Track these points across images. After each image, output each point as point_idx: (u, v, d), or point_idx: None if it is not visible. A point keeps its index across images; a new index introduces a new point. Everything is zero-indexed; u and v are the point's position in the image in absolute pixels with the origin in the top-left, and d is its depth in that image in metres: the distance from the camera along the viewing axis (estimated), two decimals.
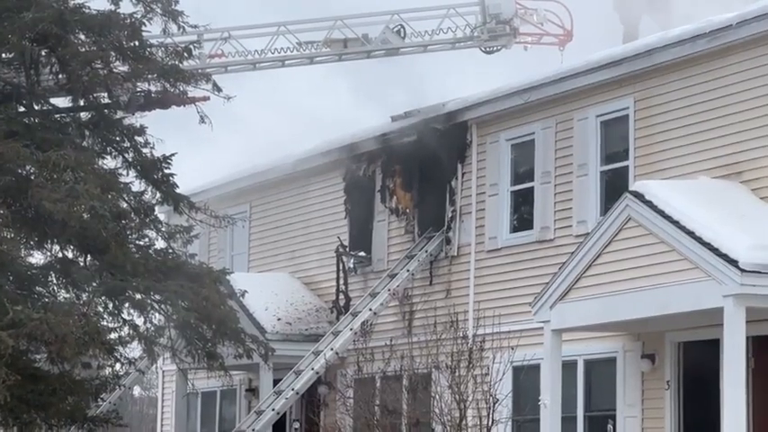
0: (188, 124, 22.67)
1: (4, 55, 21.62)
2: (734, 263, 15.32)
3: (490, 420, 19.39)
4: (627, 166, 19.89)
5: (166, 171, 20.82)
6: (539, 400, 18.53)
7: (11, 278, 20.11)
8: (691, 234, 16.08)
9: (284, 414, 24.56)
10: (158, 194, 21.07)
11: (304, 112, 25.08)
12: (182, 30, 21.13)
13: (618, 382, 19.58)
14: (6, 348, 17.69)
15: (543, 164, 21.90)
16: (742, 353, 15.46)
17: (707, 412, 17.50)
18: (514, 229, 22.26)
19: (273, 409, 23.02)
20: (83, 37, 20.58)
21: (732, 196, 17.63)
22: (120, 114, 21.46)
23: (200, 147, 22.99)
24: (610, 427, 18.91)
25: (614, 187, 19.73)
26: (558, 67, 23.01)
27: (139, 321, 21.08)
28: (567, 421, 19.59)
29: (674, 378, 18.55)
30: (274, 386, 23.71)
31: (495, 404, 19.29)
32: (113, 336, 20.84)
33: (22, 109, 21.79)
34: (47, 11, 19.85)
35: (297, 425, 25.95)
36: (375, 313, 23.59)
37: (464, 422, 19.66)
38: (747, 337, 15.70)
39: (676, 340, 18.48)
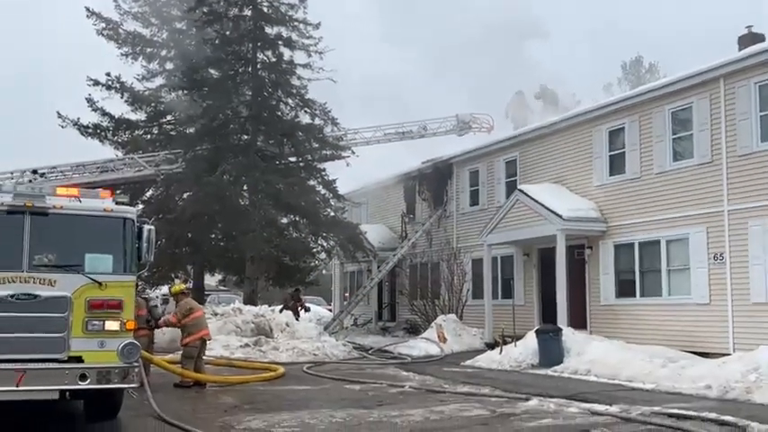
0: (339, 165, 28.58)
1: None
2: (560, 216, 20.12)
3: (462, 283, 25.08)
4: (516, 179, 23.98)
5: (334, 185, 27.22)
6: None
7: (275, 229, 26.14)
8: (543, 205, 20.85)
9: (381, 280, 29.58)
10: (331, 194, 27.38)
11: (387, 160, 31.41)
12: (336, 127, 27.45)
13: (514, 266, 23.86)
14: (272, 256, 25.61)
15: (485, 181, 26.00)
16: (563, 253, 20.00)
17: (551, 279, 20.78)
18: (472, 204, 26.65)
19: (376, 277, 28.55)
20: (300, 132, 26.51)
21: (560, 191, 21.75)
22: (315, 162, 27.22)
23: (343, 173, 28.11)
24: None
25: (512, 188, 23.40)
26: (488, 140, 28.21)
27: (324, 244, 27.98)
28: (493, 282, 23.76)
29: (538, 263, 22.97)
30: (378, 269, 29.03)
31: (464, 275, 25.19)
32: (314, 249, 28.16)
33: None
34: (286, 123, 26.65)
35: (387, 284, 30.96)
36: (416, 239, 28.46)
37: (452, 283, 25.20)
38: (566, 246, 20.21)
39: (538, 247, 22.60)
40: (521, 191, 22.20)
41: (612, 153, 20.72)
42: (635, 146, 19.89)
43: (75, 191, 9.56)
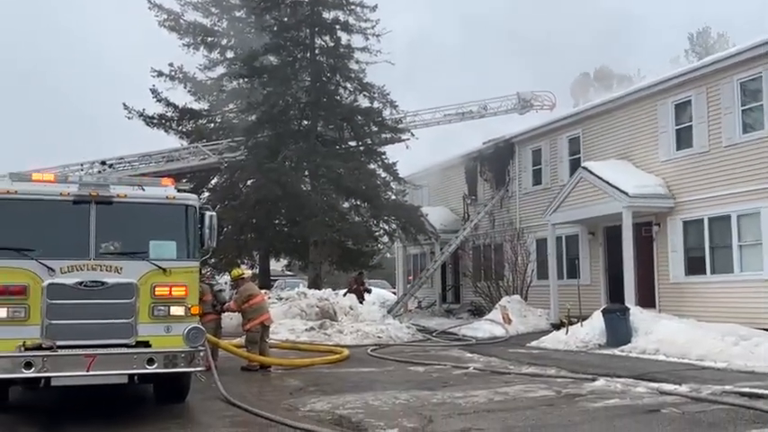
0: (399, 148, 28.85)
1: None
2: (626, 193, 19.90)
3: (527, 263, 25.19)
4: (579, 157, 23.83)
5: (394, 168, 27.22)
6: None
7: (337, 214, 26.29)
8: (608, 182, 20.57)
9: (445, 263, 29.56)
10: (391, 177, 27.43)
11: (447, 142, 31.23)
12: (395, 109, 27.35)
13: (579, 245, 23.60)
14: (335, 240, 25.79)
15: (548, 159, 25.75)
16: (630, 231, 19.91)
17: (617, 257, 20.76)
18: (535, 183, 26.47)
19: (439, 260, 28.63)
20: (359, 116, 26.60)
21: (626, 167, 21.40)
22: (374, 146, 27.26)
23: (403, 156, 28.48)
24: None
25: (576, 166, 23.20)
26: (550, 117, 27.85)
27: (385, 227, 27.95)
28: (558, 262, 23.66)
29: (604, 242, 22.83)
30: (441, 251, 28.92)
31: (528, 255, 25.25)
32: (376, 233, 28.18)
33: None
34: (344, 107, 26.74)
35: (450, 266, 30.92)
36: (478, 220, 28.40)
37: (516, 264, 25.42)
38: (633, 224, 20.05)
39: (603, 226, 22.45)
40: (585, 168, 21.96)
41: (679, 127, 20.24)
42: (702, 119, 19.40)
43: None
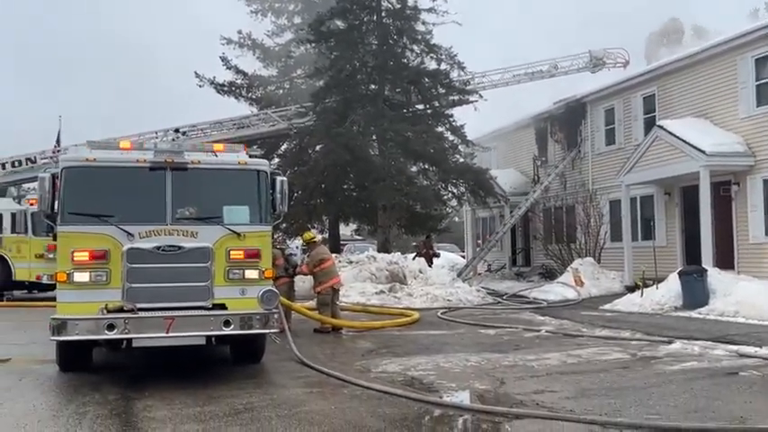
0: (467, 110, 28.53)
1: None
2: (703, 151, 19.61)
3: (599, 225, 24.80)
4: (654, 116, 23.27)
5: (462, 131, 26.82)
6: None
7: (405, 177, 26.02)
8: (684, 141, 20.25)
9: (514, 226, 29.46)
10: (459, 140, 27.07)
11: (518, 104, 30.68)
12: (462, 71, 26.92)
13: (654, 206, 23.22)
14: (403, 204, 25.80)
15: (621, 118, 25.33)
16: (707, 191, 19.55)
17: (694, 218, 20.63)
18: (608, 144, 26.12)
19: (509, 223, 28.63)
20: (426, 79, 26.34)
21: (703, 125, 21.07)
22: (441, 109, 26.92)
23: (471, 118, 27.85)
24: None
25: (650, 125, 22.62)
26: (623, 75, 27.04)
27: (454, 190, 27.63)
28: (632, 223, 23.35)
29: (680, 202, 22.52)
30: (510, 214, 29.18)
31: (601, 217, 24.84)
32: (444, 196, 27.88)
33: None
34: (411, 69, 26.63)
35: (520, 228, 30.83)
36: (549, 182, 28.25)
37: (589, 226, 25.03)
38: (710, 183, 19.68)
39: (680, 186, 22.19)
40: (660, 127, 21.50)
41: (759, 82, 19.58)
42: None
43: (220, 146, 9.98)
